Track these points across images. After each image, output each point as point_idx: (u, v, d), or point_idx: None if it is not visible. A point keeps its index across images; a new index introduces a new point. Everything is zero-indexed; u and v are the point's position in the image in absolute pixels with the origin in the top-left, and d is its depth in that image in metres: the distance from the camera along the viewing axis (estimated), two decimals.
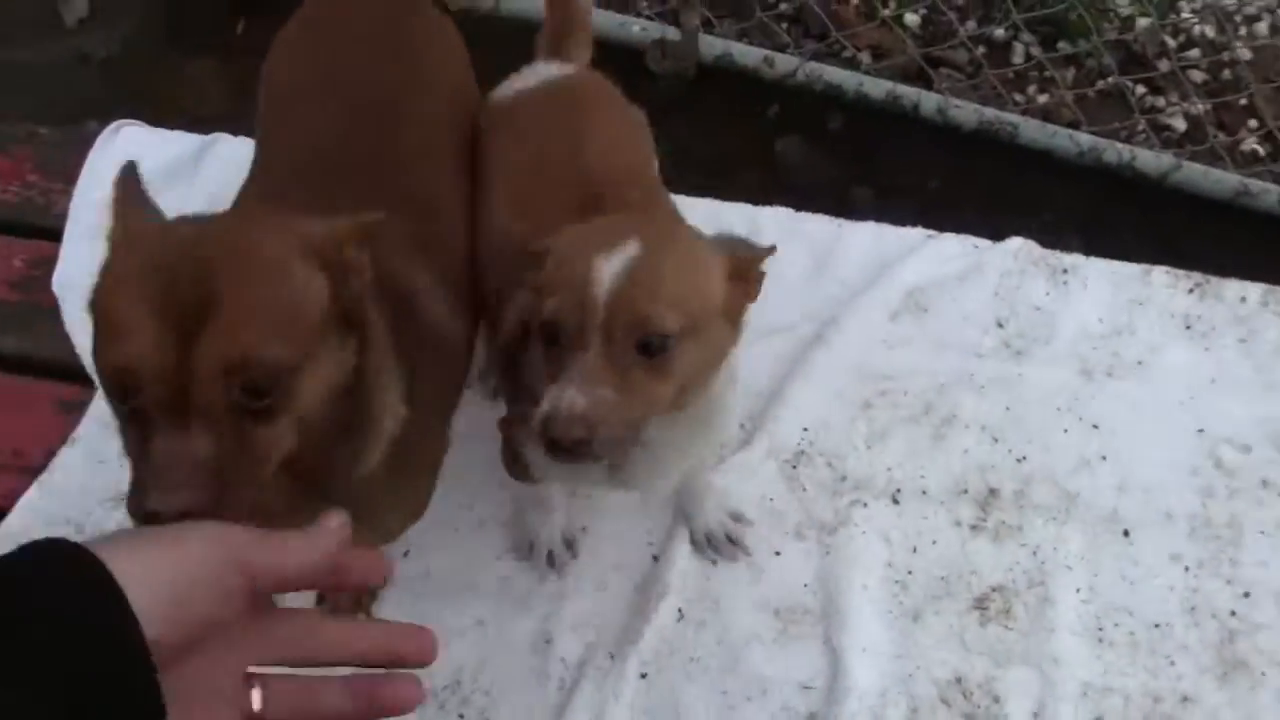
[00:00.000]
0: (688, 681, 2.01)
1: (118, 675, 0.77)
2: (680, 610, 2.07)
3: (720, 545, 2.08)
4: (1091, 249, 2.49)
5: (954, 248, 2.48)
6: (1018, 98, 3.32)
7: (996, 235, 2.51)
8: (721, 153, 3.28)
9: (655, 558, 2.14)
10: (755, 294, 1.50)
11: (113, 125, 2.58)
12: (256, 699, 0.91)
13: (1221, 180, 3.21)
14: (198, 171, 2.53)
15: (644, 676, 2.01)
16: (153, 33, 3.43)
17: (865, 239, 2.48)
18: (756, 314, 2.27)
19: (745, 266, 1.46)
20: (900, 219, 2.56)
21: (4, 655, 0.73)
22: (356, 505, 1.11)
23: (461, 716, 1.99)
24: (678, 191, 2.56)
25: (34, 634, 0.75)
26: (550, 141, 1.85)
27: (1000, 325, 2.38)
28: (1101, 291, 2.42)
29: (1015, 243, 2.49)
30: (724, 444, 2.05)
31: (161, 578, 0.82)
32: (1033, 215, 3.16)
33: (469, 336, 1.84)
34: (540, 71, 2.07)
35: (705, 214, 2.48)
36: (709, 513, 2.08)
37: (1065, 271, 2.44)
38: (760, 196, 2.61)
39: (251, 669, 0.92)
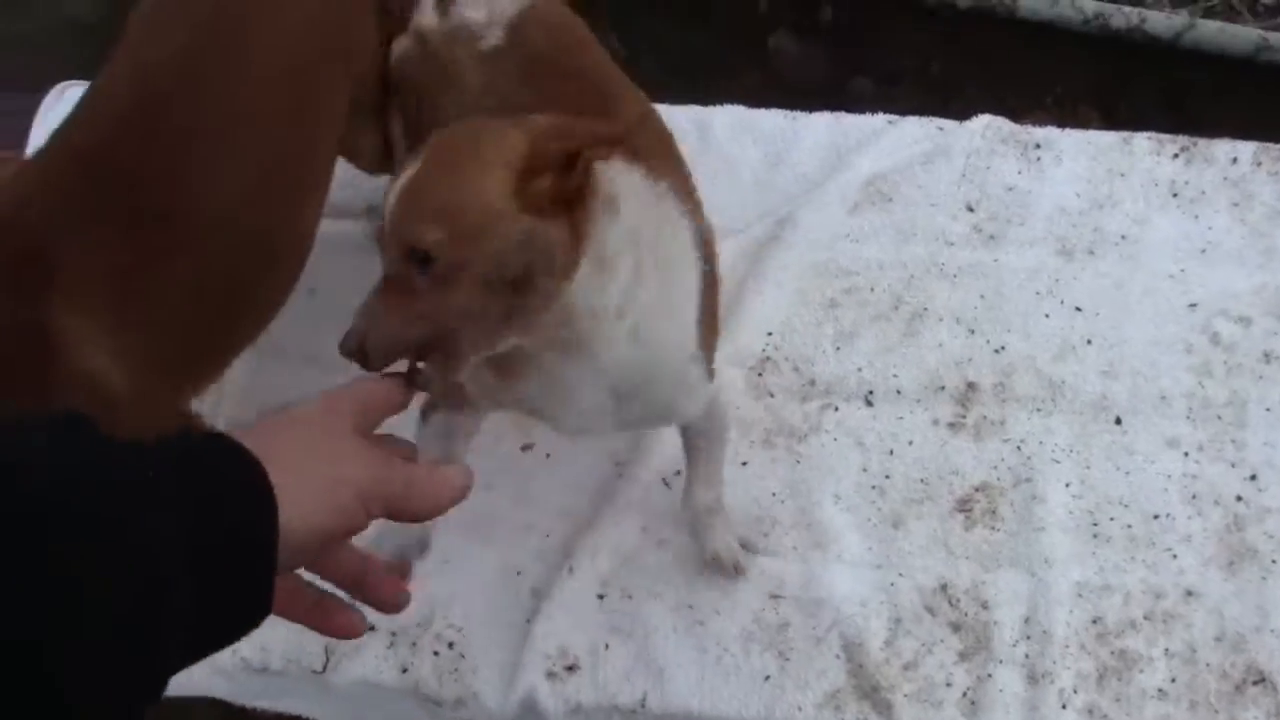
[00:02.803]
0: (652, 599, 1.96)
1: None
2: (644, 527, 2.02)
3: (725, 569, 1.97)
4: (1112, 122, 2.36)
5: (916, 131, 2.35)
6: None
7: (1010, 116, 2.39)
8: (712, 53, 3.17)
9: (620, 475, 2.08)
10: (579, 184, 1.31)
11: (58, 87, 2.54)
12: None
13: (1239, 35, 3.02)
14: None
15: (602, 597, 1.96)
16: None
17: (821, 130, 2.37)
18: (709, 216, 2.21)
19: (546, 157, 1.28)
20: (905, 108, 2.45)
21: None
22: None
23: (436, 654, 1.96)
24: (667, 97, 2.49)
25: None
26: None
27: (970, 209, 2.25)
28: (1078, 165, 2.29)
29: (982, 120, 2.36)
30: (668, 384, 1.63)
31: (310, 504, 0.85)
32: (1045, 91, 3.01)
33: None
34: None
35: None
36: (717, 537, 1.96)
37: (1038, 147, 2.31)
38: (756, 97, 2.50)
39: None
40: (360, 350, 1.21)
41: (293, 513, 0.82)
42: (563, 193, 1.28)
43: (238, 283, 1.77)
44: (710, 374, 1.64)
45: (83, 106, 1.72)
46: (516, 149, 1.28)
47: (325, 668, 1.97)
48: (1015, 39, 3.13)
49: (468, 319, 1.26)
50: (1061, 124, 2.40)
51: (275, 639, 1.97)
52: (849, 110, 2.45)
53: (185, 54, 1.71)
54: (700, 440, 1.83)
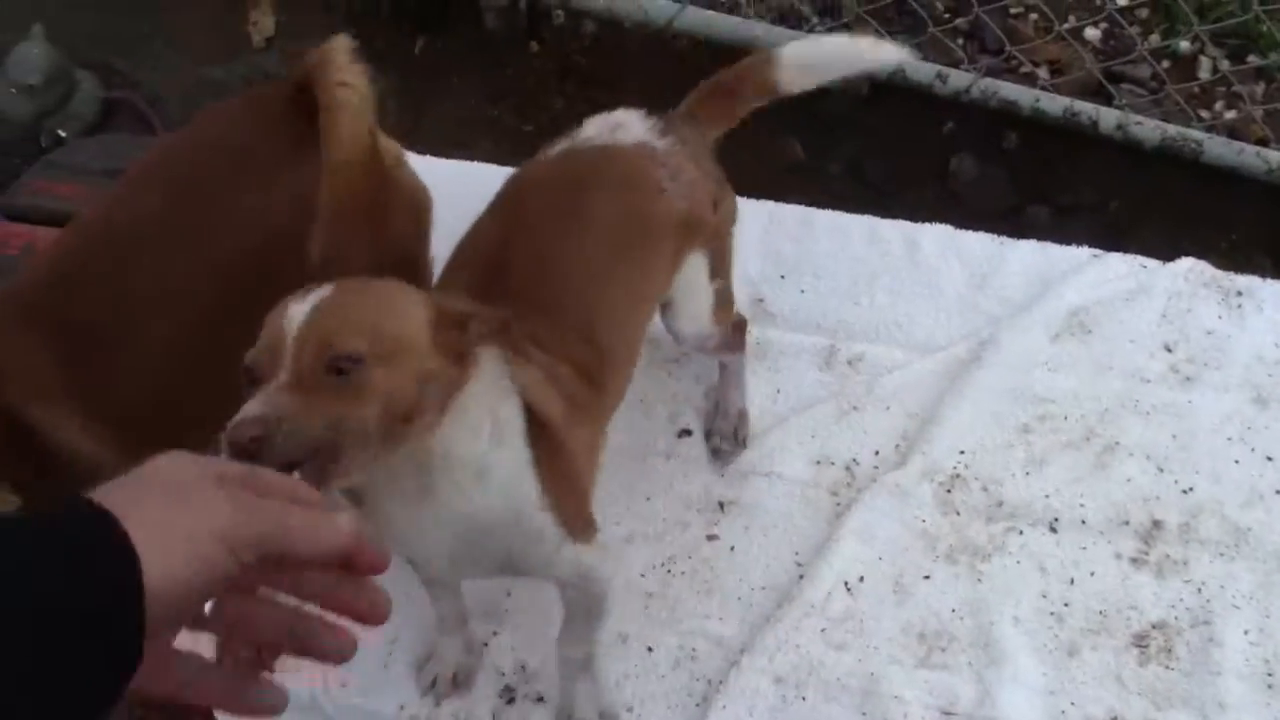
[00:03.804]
0: (827, 702, 1.98)
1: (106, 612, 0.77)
2: (823, 629, 2.04)
3: None
4: None
5: (1121, 267, 2.39)
6: (1203, 114, 3.19)
7: (1180, 258, 2.42)
8: (894, 170, 3.23)
9: (801, 576, 2.11)
10: (468, 347, 1.44)
11: None
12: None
13: None
14: None
15: (783, 697, 1.99)
16: None
17: (1028, 257, 2.43)
18: (911, 332, 2.27)
19: (452, 317, 1.41)
20: (1078, 241, 2.49)
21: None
22: None
23: None
24: (846, 206, 2.57)
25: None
26: (523, 216, 1.81)
27: (1168, 349, 2.29)
28: (1279, 315, 2.31)
29: (1185, 263, 2.39)
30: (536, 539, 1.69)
31: (172, 558, 0.81)
32: (1220, 236, 3.03)
33: None
34: (616, 127, 1.93)
35: (865, 231, 2.46)
36: (578, 702, 1.98)
37: (1239, 294, 2.34)
38: (933, 215, 2.57)
39: None
40: (261, 440, 1.21)
41: (155, 570, 0.78)
42: (456, 348, 1.40)
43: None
44: (575, 537, 1.69)
45: (46, 250, 1.90)
46: (428, 301, 1.42)
47: None
48: (1195, 182, 3.15)
49: (363, 433, 1.31)
50: (1234, 270, 2.42)
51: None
52: (1023, 237, 2.50)
53: (149, 220, 1.83)
54: (573, 600, 1.87)
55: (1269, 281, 2.36)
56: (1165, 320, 2.32)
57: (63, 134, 3.36)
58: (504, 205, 1.84)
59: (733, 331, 2.18)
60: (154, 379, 1.77)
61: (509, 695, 2.05)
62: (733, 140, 3.11)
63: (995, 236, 2.46)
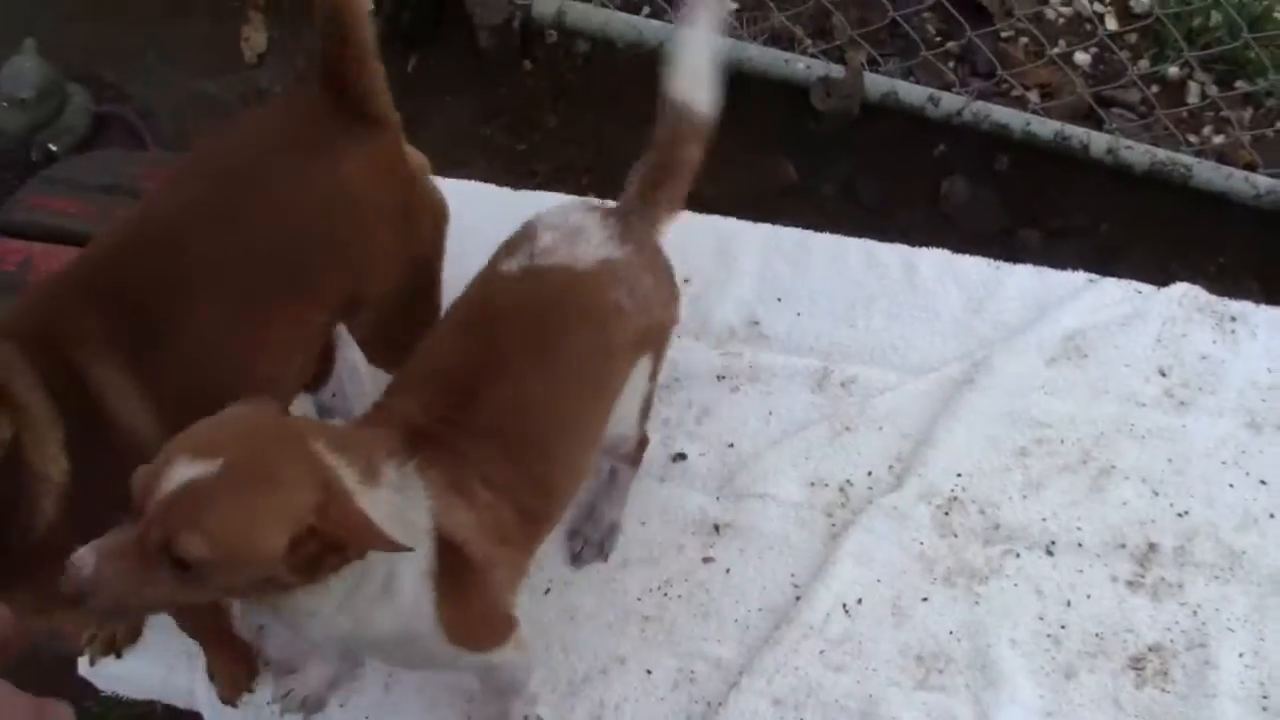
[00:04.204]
0: None
1: None
2: (821, 651, 2.05)
3: None
4: (1271, 296, 2.39)
5: (1115, 292, 2.41)
6: (1192, 139, 3.21)
7: (1169, 281, 2.44)
8: (886, 192, 3.24)
9: (798, 598, 2.12)
10: (337, 563, 1.43)
11: None
12: None
13: None
14: None
15: (781, 718, 2.00)
16: None
17: (1024, 281, 2.44)
18: (905, 354, 2.27)
19: (325, 534, 1.39)
20: (1068, 263, 2.51)
21: None
22: None
23: None
24: (840, 228, 2.57)
25: None
26: (488, 344, 1.76)
27: (1163, 374, 2.31)
28: (1273, 340, 2.33)
29: (1180, 288, 2.41)
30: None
31: None
32: (1209, 260, 3.06)
33: None
34: (575, 234, 1.84)
35: (863, 255, 2.47)
36: None
37: (1233, 319, 2.36)
38: (925, 237, 2.59)
39: None
40: (87, 593, 1.31)
41: None
42: (319, 559, 1.40)
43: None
44: (482, 650, 1.74)
45: (101, 237, 1.87)
46: (306, 505, 1.37)
47: None
48: (1184, 206, 3.16)
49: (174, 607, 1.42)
50: (1223, 294, 2.44)
51: None
52: (1014, 260, 2.51)
53: (195, 206, 1.84)
54: (484, 682, 1.93)
55: (1263, 307, 2.39)
56: (1160, 345, 2.34)
57: (54, 148, 3.37)
58: (470, 326, 1.79)
59: (637, 445, 2.14)
60: (199, 364, 1.78)
61: None
62: (727, 162, 3.11)
63: (992, 261, 2.47)
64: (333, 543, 1.38)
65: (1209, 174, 3.12)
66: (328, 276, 1.90)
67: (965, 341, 2.37)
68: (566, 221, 1.85)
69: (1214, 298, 2.40)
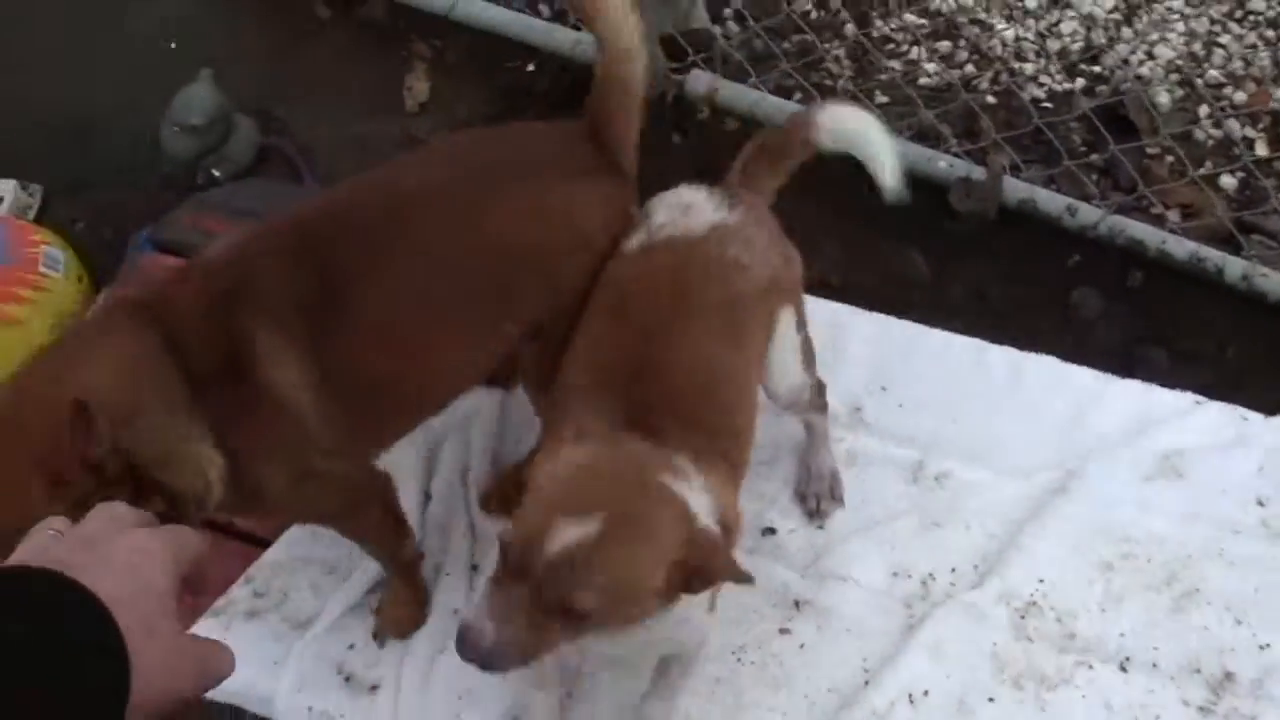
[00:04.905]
0: None
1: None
2: None
3: None
4: None
5: (1219, 417, 2.40)
6: None
7: None
8: (1016, 297, 3.24)
9: (867, 682, 2.14)
10: (703, 586, 1.58)
11: None
12: None
13: None
14: None
15: None
16: (485, 119, 3.66)
17: (1130, 396, 2.45)
18: (1002, 456, 2.29)
19: (699, 565, 1.53)
20: (1189, 385, 2.50)
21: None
22: None
23: None
24: (960, 327, 2.60)
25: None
26: (636, 324, 1.88)
27: (1261, 504, 2.28)
28: None
29: None
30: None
31: (164, 670, 0.89)
32: None
33: None
34: (686, 209, 2.01)
35: (972, 353, 2.50)
36: None
37: None
38: (1049, 346, 2.60)
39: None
40: (490, 658, 1.47)
41: (145, 680, 0.84)
42: (685, 585, 1.55)
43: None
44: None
45: (322, 194, 1.96)
46: (677, 543, 1.53)
47: None
48: None
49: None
50: None
51: None
52: (1137, 377, 2.52)
53: (434, 189, 1.91)
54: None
55: None
56: (1261, 473, 2.32)
57: (217, 173, 3.53)
58: (613, 311, 1.92)
59: (816, 390, 2.25)
60: (376, 351, 1.83)
61: None
62: (859, 253, 3.16)
63: (1100, 373, 2.48)
64: (696, 572, 1.53)
65: None
66: (534, 297, 1.99)
67: (1063, 449, 2.38)
68: (678, 199, 2.03)
69: None
